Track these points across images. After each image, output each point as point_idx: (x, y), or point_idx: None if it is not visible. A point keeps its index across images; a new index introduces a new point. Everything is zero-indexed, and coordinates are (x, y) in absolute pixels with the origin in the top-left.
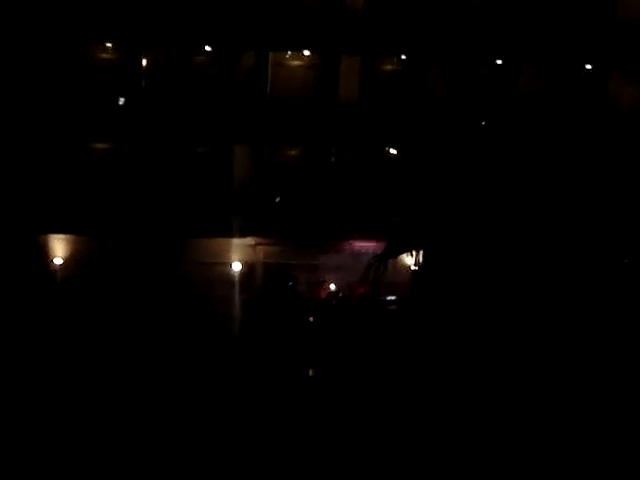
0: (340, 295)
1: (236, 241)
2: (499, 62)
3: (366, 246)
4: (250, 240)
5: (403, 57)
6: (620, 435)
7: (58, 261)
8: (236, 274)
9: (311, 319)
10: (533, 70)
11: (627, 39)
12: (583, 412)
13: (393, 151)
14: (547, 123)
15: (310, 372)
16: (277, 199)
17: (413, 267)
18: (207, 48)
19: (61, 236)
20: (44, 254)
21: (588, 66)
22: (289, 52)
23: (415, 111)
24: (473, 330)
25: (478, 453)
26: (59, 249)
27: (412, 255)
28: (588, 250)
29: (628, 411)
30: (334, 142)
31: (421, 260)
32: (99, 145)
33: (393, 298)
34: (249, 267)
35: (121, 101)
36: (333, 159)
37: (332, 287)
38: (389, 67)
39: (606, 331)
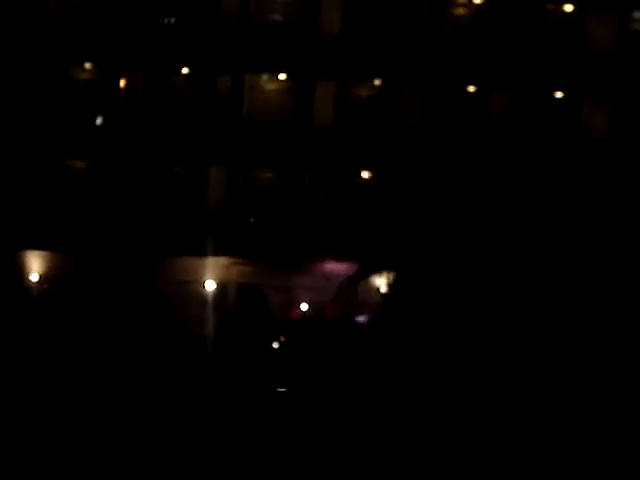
0: (312, 315)
1: (211, 260)
2: (472, 89)
3: (338, 268)
4: (224, 260)
5: (378, 82)
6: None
7: (34, 277)
8: (210, 293)
9: (282, 339)
10: (505, 97)
11: (597, 68)
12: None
13: (366, 174)
14: (518, 149)
15: (280, 389)
16: (251, 220)
17: (383, 288)
18: (184, 70)
19: (38, 252)
20: (20, 270)
21: (559, 94)
22: (265, 75)
23: (389, 135)
24: (442, 349)
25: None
26: (36, 265)
27: (383, 277)
28: (557, 273)
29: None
30: (309, 165)
31: (392, 282)
32: (77, 163)
33: (364, 318)
34: (223, 286)
35: (99, 120)
36: (307, 181)
37: (304, 307)
38: (364, 92)
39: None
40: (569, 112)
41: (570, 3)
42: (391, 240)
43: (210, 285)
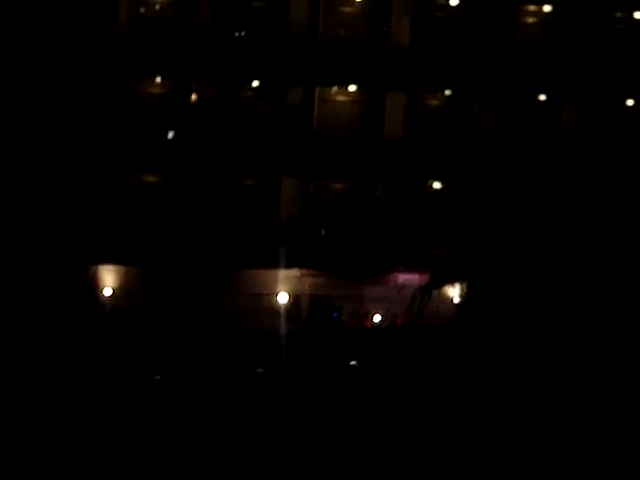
0: (384, 326)
1: (282, 272)
2: (542, 97)
3: (410, 278)
4: (296, 271)
5: (448, 92)
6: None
7: (107, 291)
8: (282, 305)
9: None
10: (576, 104)
11: None
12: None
13: (437, 185)
14: (592, 157)
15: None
16: (323, 231)
17: (457, 299)
18: (255, 83)
19: (111, 267)
20: (94, 284)
21: (630, 101)
22: (335, 87)
23: (460, 146)
24: (516, 360)
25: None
26: (108, 280)
27: (455, 287)
28: (631, 278)
29: None
30: (379, 176)
31: (465, 292)
32: (149, 177)
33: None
34: (295, 298)
35: (170, 135)
36: (378, 192)
37: (377, 318)
38: (434, 102)
39: None
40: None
41: None
42: (464, 250)
43: (282, 297)
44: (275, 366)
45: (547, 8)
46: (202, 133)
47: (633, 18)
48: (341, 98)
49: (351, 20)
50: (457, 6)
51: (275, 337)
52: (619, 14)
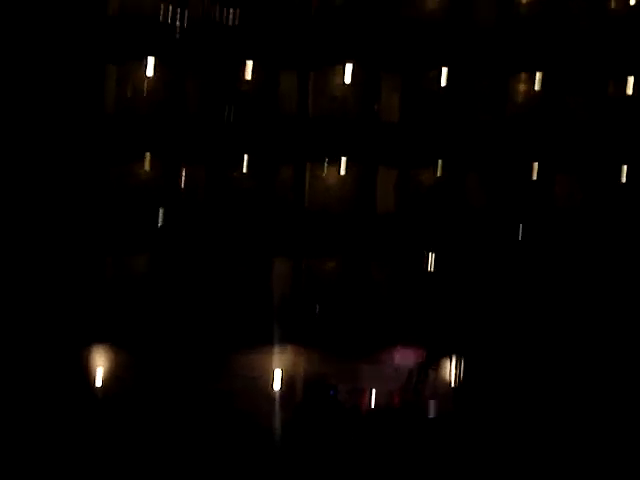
0: (380, 405)
1: (277, 353)
2: (535, 170)
3: (407, 355)
4: (290, 351)
5: (440, 166)
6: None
7: (99, 376)
8: (277, 386)
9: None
10: (569, 178)
11: None
12: None
13: (431, 260)
14: (584, 231)
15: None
16: (316, 309)
17: (454, 377)
18: (245, 162)
19: (102, 350)
20: (85, 369)
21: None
22: (326, 164)
23: (453, 220)
24: (513, 443)
25: None
26: (100, 363)
27: (452, 364)
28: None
29: None
30: (372, 253)
31: (462, 369)
32: (139, 259)
33: (433, 407)
34: (290, 378)
35: (160, 221)
36: (372, 269)
37: (373, 397)
38: (426, 177)
39: None
40: (635, 191)
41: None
42: (460, 326)
43: (277, 379)
44: (270, 466)
45: (539, 76)
46: (192, 214)
47: (625, 88)
48: (333, 174)
49: (341, 97)
50: (447, 81)
51: (270, 425)
52: (612, 83)
